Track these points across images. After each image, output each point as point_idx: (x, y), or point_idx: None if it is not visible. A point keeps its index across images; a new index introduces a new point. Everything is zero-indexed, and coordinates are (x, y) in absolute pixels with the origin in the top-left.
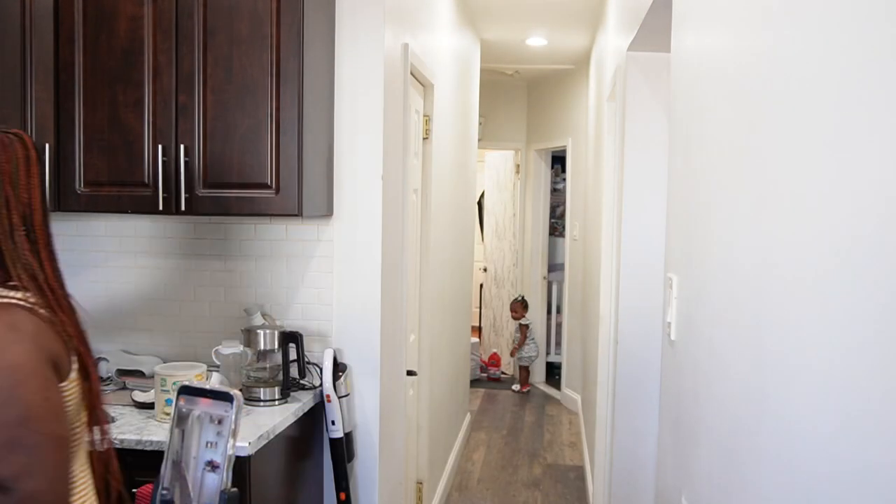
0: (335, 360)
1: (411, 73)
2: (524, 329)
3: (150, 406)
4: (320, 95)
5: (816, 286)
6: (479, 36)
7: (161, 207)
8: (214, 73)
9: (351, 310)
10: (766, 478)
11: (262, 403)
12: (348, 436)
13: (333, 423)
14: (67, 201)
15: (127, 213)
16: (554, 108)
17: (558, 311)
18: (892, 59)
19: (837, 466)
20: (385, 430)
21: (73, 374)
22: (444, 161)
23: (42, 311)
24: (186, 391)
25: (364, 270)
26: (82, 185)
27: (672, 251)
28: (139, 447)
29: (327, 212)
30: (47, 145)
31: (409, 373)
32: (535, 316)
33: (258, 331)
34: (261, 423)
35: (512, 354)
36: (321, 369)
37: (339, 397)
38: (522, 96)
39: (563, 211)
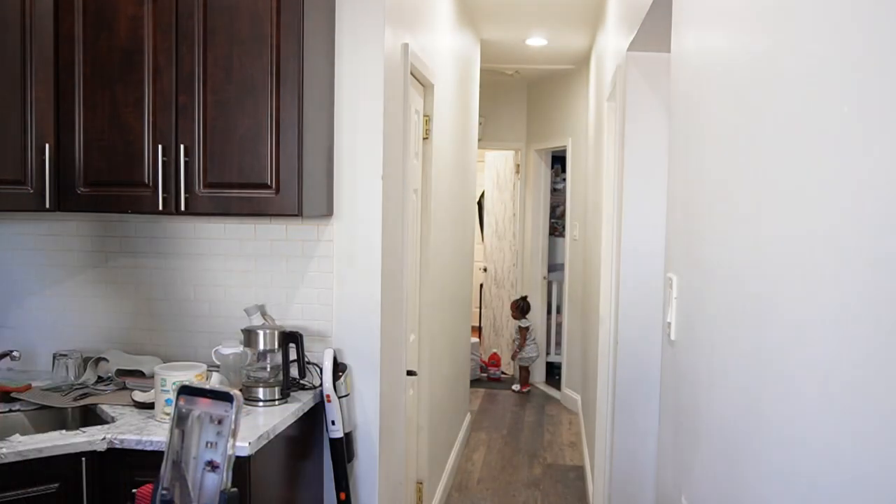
0: (335, 360)
1: (411, 73)
2: (524, 331)
3: (150, 406)
4: (320, 95)
5: (816, 286)
6: (479, 36)
7: (161, 207)
8: (214, 74)
9: (351, 310)
10: (766, 477)
11: (262, 403)
12: (348, 436)
13: (333, 423)
14: (67, 201)
15: (127, 213)
16: (554, 108)
17: (558, 311)
18: (892, 58)
19: (837, 466)
20: (385, 430)
21: None
22: (444, 161)
23: None
24: (186, 391)
25: (364, 270)
26: (82, 185)
27: (672, 251)
28: (139, 447)
29: (327, 212)
30: (47, 145)
31: (409, 373)
32: (536, 316)
33: (258, 331)
34: (261, 424)
35: (513, 358)
36: (321, 369)
37: (339, 397)
38: (522, 96)
39: (563, 211)
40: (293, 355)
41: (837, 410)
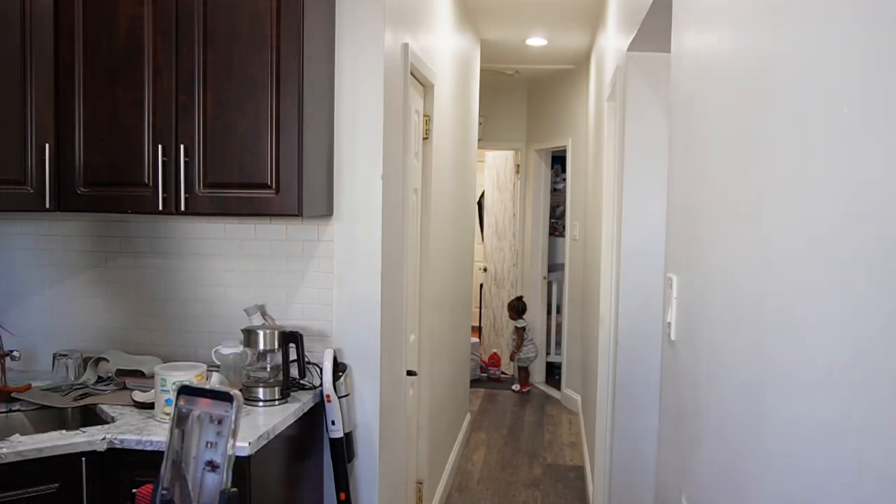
0: (335, 360)
1: (411, 73)
2: (520, 332)
3: (150, 406)
4: (320, 95)
5: (817, 286)
6: (479, 36)
7: (161, 207)
8: (214, 73)
9: (351, 310)
10: (767, 478)
11: (262, 403)
12: (348, 436)
13: (333, 423)
14: (67, 201)
15: (127, 212)
16: (554, 108)
17: (558, 311)
18: (892, 58)
19: (838, 467)
20: (385, 430)
21: None
22: (444, 161)
23: None
24: (186, 391)
25: (364, 270)
26: (82, 185)
27: (672, 251)
28: (139, 447)
29: (327, 212)
30: (47, 145)
31: (409, 373)
32: (535, 316)
33: (258, 331)
34: (261, 424)
35: (512, 358)
36: (321, 369)
37: (339, 397)
38: (522, 96)
39: (563, 211)
40: (293, 355)
41: (838, 410)
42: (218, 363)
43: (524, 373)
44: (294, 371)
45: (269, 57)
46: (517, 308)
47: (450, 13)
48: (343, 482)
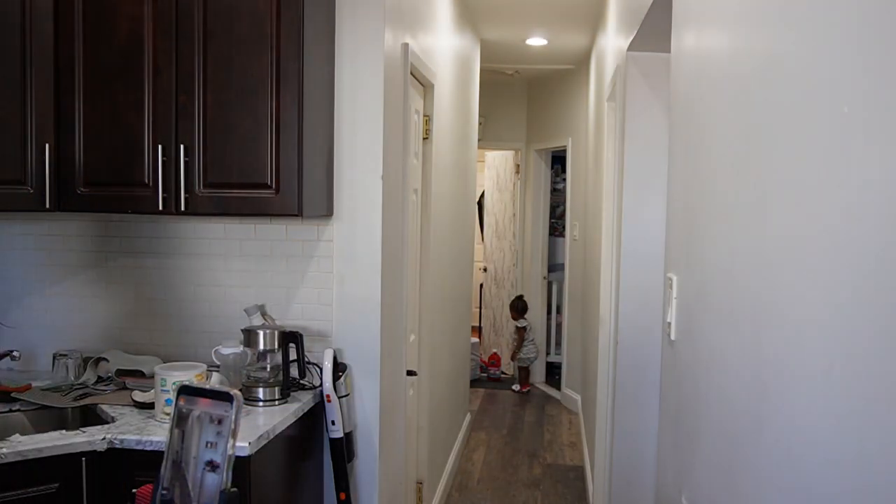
0: (335, 360)
1: (411, 73)
2: (521, 332)
3: (150, 406)
4: (320, 95)
5: (817, 285)
6: (479, 36)
7: (161, 207)
8: (214, 73)
9: (351, 310)
10: (767, 478)
11: (262, 403)
12: (348, 436)
13: (333, 423)
14: (67, 201)
15: (127, 212)
16: (554, 108)
17: (558, 311)
18: (891, 56)
19: (838, 467)
20: (385, 430)
21: None
22: (444, 161)
23: None
24: (186, 391)
25: (364, 270)
26: (82, 184)
27: (672, 251)
28: (139, 447)
29: (327, 212)
30: (47, 145)
31: (409, 373)
32: (535, 316)
33: (258, 331)
34: (261, 424)
35: (512, 358)
36: (321, 369)
37: (339, 397)
38: (522, 96)
39: (563, 211)
40: (293, 355)
41: (838, 410)
42: (218, 363)
43: (524, 373)
44: (294, 371)
45: (269, 57)
46: (518, 308)
47: (450, 13)
48: (343, 482)
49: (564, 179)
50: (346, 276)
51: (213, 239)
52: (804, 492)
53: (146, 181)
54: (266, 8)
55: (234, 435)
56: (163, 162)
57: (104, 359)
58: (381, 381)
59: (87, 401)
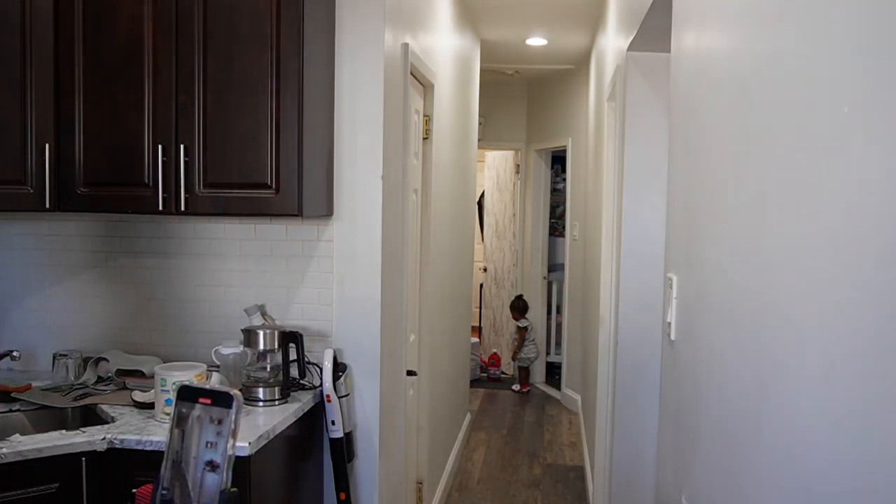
0: (335, 360)
1: (411, 73)
2: (522, 332)
3: (150, 406)
4: (320, 95)
5: (817, 285)
6: (479, 36)
7: (161, 207)
8: (214, 73)
9: (351, 310)
10: (767, 478)
11: (261, 403)
12: (348, 436)
13: (333, 423)
14: (67, 201)
15: (127, 212)
16: (554, 108)
17: (558, 311)
18: (892, 56)
19: (838, 466)
20: (385, 430)
21: None
22: (444, 161)
23: None
24: (186, 391)
25: (364, 270)
26: (82, 184)
27: (672, 251)
28: (139, 447)
29: (327, 212)
30: (47, 145)
31: (409, 373)
32: (535, 316)
33: (258, 331)
34: (261, 424)
35: (513, 358)
36: (321, 369)
37: (339, 397)
38: (522, 96)
39: (563, 211)
40: (293, 355)
41: (838, 410)
42: (218, 363)
43: (524, 373)
44: (294, 371)
45: (269, 57)
46: (519, 307)
47: (450, 13)
48: (343, 482)
49: (564, 179)
50: (346, 276)
51: (213, 239)
52: (804, 492)
53: (146, 181)
54: (266, 8)
55: (234, 435)
56: (163, 162)
57: (104, 359)
58: (381, 381)
59: (87, 401)
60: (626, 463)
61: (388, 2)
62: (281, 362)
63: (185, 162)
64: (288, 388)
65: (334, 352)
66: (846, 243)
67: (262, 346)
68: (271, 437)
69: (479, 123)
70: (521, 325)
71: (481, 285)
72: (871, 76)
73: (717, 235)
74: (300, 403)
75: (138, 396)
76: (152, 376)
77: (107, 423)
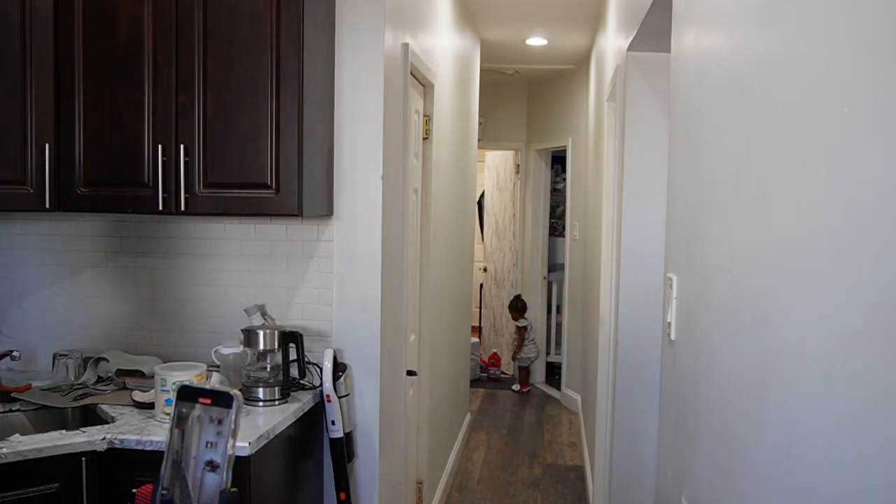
0: (335, 360)
1: (411, 73)
2: (521, 331)
3: (150, 406)
4: (320, 95)
5: (817, 285)
6: (479, 36)
7: (161, 207)
8: (214, 73)
9: (351, 310)
10: (767, 478)
11: (261, 403)
12: (348, 436)
13: (333, 423)
14: (67, 201)
15: (127, 213)
16: (554, 108)
17: (558, 311)
18: (892, 56)
19: (838, 466)
20: (385, 430)
21: None
22: (444, 161)
23: None
24: (186, 391)
25: (364, 270)
26: (82, 184)
27: (672, 251)
28: (139, 447)
29: (327, 212)
30: (47, 145)
31: (409, 373)
32: (535, 316)
33: (258, 331)
34: (261, 424)
35: (513, 358)
36: (321, 369)
37: (339, 397)
38: (522, 96)
39: (563, 211)
40: (293, 355)
41: (838, 409)
42: (218, 363)
43: (524, 373)
44: (294, 371)
45: (269, 57)
46: (518, 307)
47: (450, 13)
48: (343, 482)
49: (564, 179)
50: (346, 276)
51: (213, 239)
52: (804, 492)
53: (146, 181)
54: (266, 8)
55: (234, 435)
56: (163, 162)
57: (104, 359)
58: (381, 381)
59: (87, 401)
60: (626, 463)
61: (388, 2)
62: (281, 362)
63: (185, 162)
64: (288, 388)
65: (334, 352)
66: (846, 243)
67: (262, 346)
68: (271, 437)
69: (479, 123)
70: (520, 324)
71: (481, 285)
72: (871, 76)
73: (717, 235)
74: (300, 403)
75: (138, 396)
76: (152, 376)
77: (107, 423)
